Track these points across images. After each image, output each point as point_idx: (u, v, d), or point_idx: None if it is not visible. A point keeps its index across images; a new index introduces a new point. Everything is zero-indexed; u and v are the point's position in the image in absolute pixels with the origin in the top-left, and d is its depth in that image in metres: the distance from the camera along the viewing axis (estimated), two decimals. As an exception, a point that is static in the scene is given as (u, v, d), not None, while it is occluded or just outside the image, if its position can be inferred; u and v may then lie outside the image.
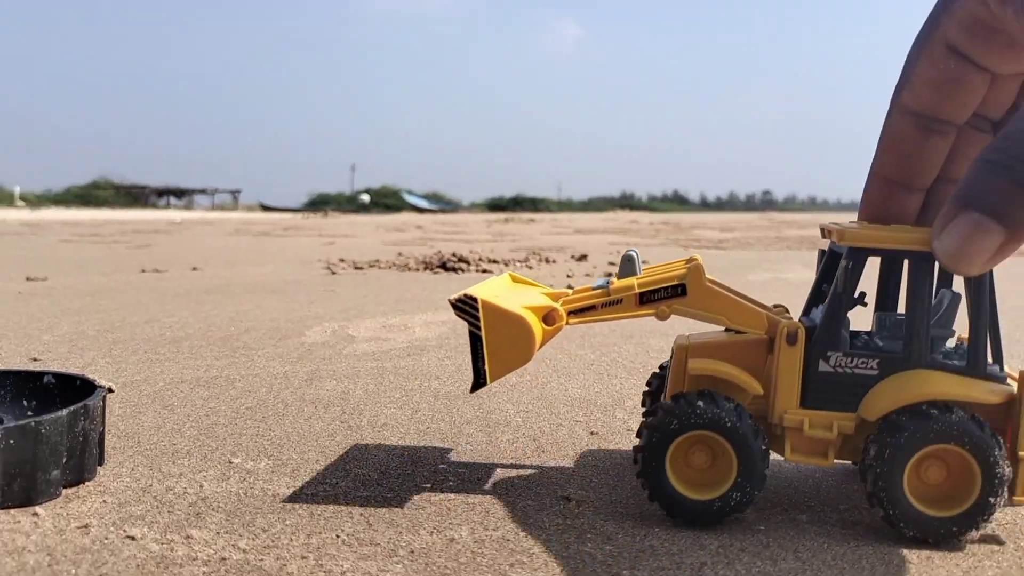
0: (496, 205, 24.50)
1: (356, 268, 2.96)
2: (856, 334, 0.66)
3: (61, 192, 21.98)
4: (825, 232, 0.65)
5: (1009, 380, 0.60)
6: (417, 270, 2.86)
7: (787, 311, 0.68)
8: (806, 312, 0.67)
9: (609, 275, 0.73)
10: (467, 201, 25.80)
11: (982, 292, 0.58)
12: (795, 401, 0.62)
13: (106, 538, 0.57)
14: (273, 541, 0.57)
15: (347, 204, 22.79)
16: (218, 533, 0.58)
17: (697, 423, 0.60)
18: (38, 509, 0.61)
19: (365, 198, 23.44)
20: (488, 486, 0.69)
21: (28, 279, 2.42)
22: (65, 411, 0.64)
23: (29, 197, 20.85)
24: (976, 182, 0.39)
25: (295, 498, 0.65)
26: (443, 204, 23.23)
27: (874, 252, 0.60)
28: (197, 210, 20.52)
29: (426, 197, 24.02)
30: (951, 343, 0.64)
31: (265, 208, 21.07)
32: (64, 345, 1.31)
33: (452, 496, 0.66)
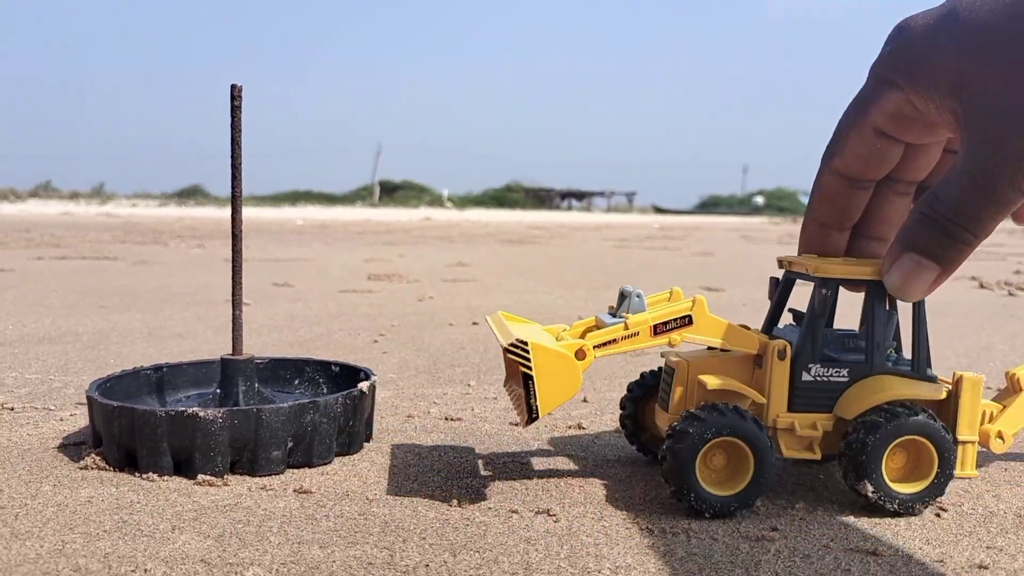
0: (902, 208, 22.73)
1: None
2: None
3: (479, 194, 24.34)
4: (785, 263, 0.79)
5: (941, 381, 0.76)
6: None
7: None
8: (766, 331, 0.81)
9: (615, 313, 0.79)
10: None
11: (921, 313, 0.73)
12: (785, 406, 0.76)
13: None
14: None
15: (739, 207, 22.49)
16: None
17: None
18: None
19: (759, 200, 22.95)
20: None
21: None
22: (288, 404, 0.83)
23: (454, 199, 23.32)
24: (914, 230, 0.48)
25: None
26: (840, 208, 21.97)
27: (841, 282, 0.73)
28: (595, 212, 21.41)
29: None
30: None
31: (658, 210, 21.52)
32: None
33: None
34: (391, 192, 24.40)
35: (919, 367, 0.76)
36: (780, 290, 0.83)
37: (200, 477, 0.81)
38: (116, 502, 0.75)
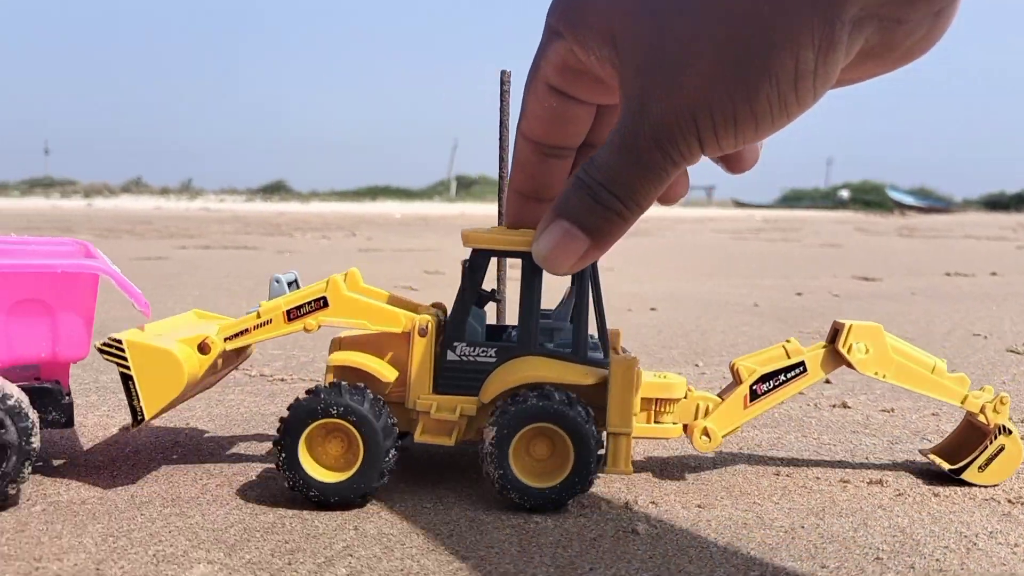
0: (995, 203, 21.88)
1: None
2: (504, 328, 0.75)
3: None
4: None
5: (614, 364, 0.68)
6: None
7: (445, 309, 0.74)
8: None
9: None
10: (959, 197, 23.40)
11: (583, 290, 0.68)
12: (427, 387, 0.69)
13: None
14: None
15: (822, 200, 22.03)
16: None
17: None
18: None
19: (844, 194, 22.45)
20: None
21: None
22: None
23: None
24: (567, 195, 0.43)
25: None
26: (932, 201, 21.37)
27: (492, 253, 0.68)
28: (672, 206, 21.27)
29: (912, 193, 22.33)
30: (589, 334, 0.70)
31: (738, 204, 21.17)
32: None
33: None
34: (467, 187, 24.51)
35: (578, 348, 0.69)
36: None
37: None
38: (443, 451, 0.81)
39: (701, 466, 0.80)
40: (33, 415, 0.66)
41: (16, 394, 0.65)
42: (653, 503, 0.70)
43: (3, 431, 0.64)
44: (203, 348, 0.69)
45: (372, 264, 3.01)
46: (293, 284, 0.75)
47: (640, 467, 0.79)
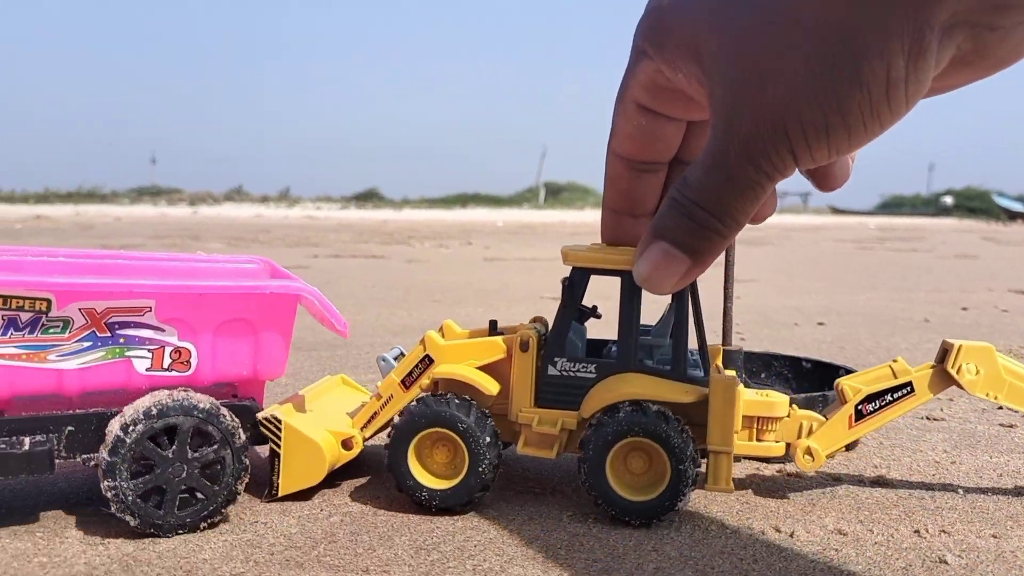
0: (1113, 209, 20.71)
1: None
2: (605, 343, 0.76)
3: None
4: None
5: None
6: None
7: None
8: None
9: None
10: (1079, 203, 22.21)
11: (682, 307, 0.70)
12: (529, 400, 0.72)
13: None
14: None
15: (924, 207, 21.30)
16: None
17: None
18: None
19: (948, 200, 21.66)
20: None
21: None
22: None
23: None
24: (664, 216, 0.42)
25: None
26: (1043, 208, 20.34)
27: (592, 271, 0.69)
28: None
29: (1021, 199, 21.36)
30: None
31: (835, 211, 20.62)
32: None
33: None
34: (556, 194, 24.47)
35: (677, 366, 0.70)
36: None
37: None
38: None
39: (975, 491, 0.78)
40: (243, 434, 0.68)
41: (229, 415, 0.67)
42: (944, 531, 0.69)
43: (219, 449, 0.67)
44: (347, 445, 0.74)
45: (503, 274, 3.04)
46: (399, 357, 0.80)
47: (906, 486, 0.78)
